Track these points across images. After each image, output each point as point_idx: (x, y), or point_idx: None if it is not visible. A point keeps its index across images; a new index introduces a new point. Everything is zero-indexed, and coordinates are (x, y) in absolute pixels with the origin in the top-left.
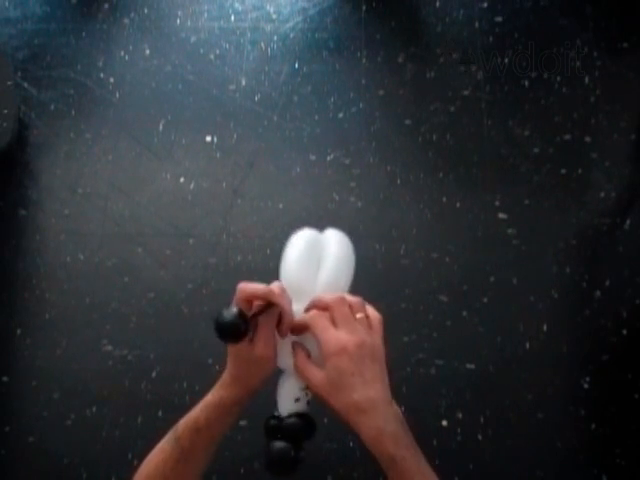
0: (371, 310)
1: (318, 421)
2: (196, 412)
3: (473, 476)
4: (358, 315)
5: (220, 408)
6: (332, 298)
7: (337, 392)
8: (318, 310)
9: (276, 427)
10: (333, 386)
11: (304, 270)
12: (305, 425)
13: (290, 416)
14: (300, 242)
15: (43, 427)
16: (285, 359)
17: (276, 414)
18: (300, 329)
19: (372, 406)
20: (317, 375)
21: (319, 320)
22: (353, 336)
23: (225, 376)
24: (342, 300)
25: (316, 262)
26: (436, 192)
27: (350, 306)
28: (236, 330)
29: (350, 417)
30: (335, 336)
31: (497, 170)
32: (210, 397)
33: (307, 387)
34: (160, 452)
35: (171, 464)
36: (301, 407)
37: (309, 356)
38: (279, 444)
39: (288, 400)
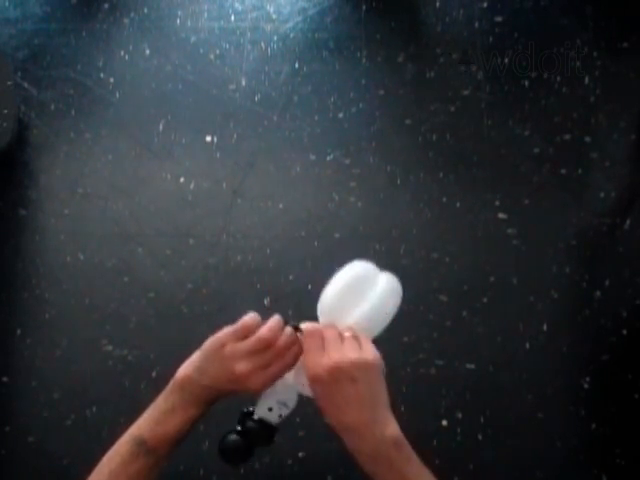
0: None
1: (318, 421)
2: (176, 425)
3: (473, 476)
4: (346, 334)
5: (199, 420)
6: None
7: (320, 408)
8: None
9: (243, 418)
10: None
11: (343, 302)
12: (261, 435)
13: (255, 420)
14: (351, 273)
15: (43, 427)
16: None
17: (252, 408)
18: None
19: (345, 429)
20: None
21: (310, 341)
22: (331, 360)
23: (204, 393)
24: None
25: (360, 297)
26: (436, 192)
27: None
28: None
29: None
30: (314, 362)
31: (497, 170)
32: (195, 412)
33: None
34: (131, 464)
35: (146, 472)
36: (272, 418)
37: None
38: (233, 437)
39: (263, 404)
